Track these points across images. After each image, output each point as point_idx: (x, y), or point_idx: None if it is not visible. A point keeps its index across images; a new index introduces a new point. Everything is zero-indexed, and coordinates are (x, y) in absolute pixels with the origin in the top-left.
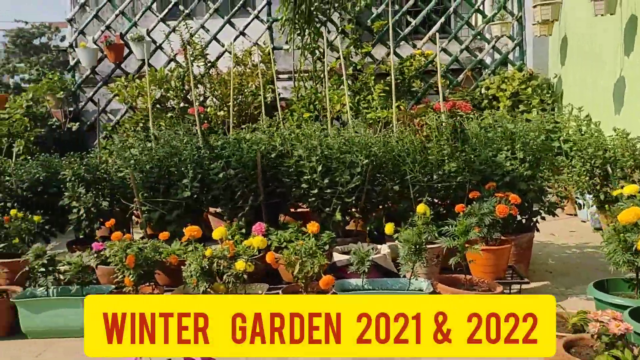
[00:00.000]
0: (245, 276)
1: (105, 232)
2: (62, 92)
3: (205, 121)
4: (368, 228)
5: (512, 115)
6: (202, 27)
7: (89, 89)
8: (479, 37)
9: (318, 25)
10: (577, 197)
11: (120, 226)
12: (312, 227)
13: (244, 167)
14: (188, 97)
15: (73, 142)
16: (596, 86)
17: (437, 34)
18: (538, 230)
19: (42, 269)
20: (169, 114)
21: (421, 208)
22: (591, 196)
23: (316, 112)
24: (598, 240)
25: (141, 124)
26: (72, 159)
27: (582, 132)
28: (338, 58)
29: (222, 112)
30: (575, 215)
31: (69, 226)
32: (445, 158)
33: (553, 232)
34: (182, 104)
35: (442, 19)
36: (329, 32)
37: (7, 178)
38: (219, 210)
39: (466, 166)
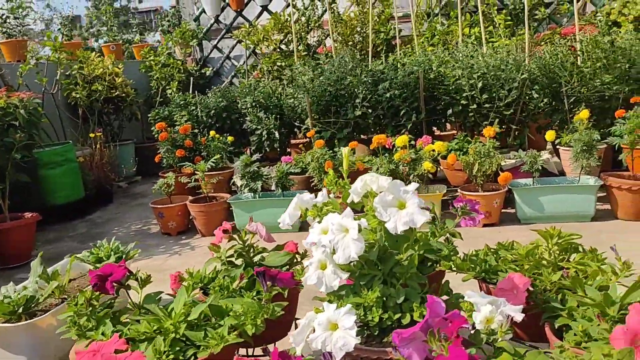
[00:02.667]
0: (430, 176)
1: (274, 154)
2: (194, 41)
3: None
4: (514, 142)
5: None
6: None
7: (213, 37)
8: None
9: None
10: None
11: (283, 150)
12: (489, 131)
13: (405, 88)
14: (308, 39)
15: (204, 86)
16: None
17: None
18: None
19: (252, 175)
20: (296, 54)
21: (584, 114)
22: None
23: (439, 45)
24: None
25: (277, 64)
26: (249, 89)
27: None
28: None
29: (343, 52)
30: None
31: (251, 146)
32: (598, 70)
33: None
34: (301, 46)
35: None
36: None
37: (193, 108)
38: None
39: (621, 76)
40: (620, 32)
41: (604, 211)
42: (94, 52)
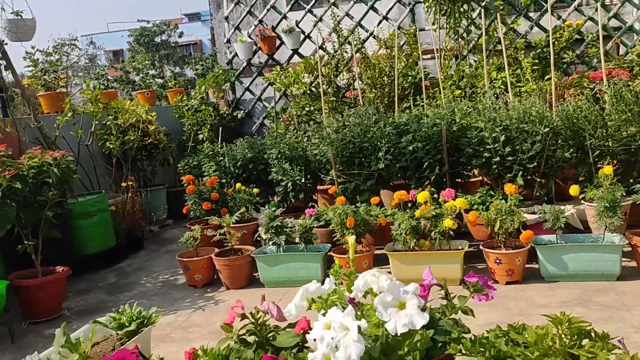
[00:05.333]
0: (451, 232)
1: (300, 203)
2: (227, 84)
3: (359, 104)
4: (538, 193)
5: None
6: (347, 14)
7: (245, 80)
8: (627, 1)
9: (461, 3)
10: None
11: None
12: (510, 188)
13: (429, 140)
14: (337, 82)
15: (235, 128)
16: None
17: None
18: None
19: (276, 230)
20: (323, 98)
21: (608, 169)
22: None
23: (466, 89)
24: None
25: (306, 109)
26: (274, 140)
27: None
28: (481, 35)
29: (372, 94)
30: None
31: (276, 197)
32: (624, 123)
33: None
34: (330, 89)
35: None
36: (472, 10)
37: (221, 158)
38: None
39: None
40: None
41: (630, 269)
42: (128, 101)
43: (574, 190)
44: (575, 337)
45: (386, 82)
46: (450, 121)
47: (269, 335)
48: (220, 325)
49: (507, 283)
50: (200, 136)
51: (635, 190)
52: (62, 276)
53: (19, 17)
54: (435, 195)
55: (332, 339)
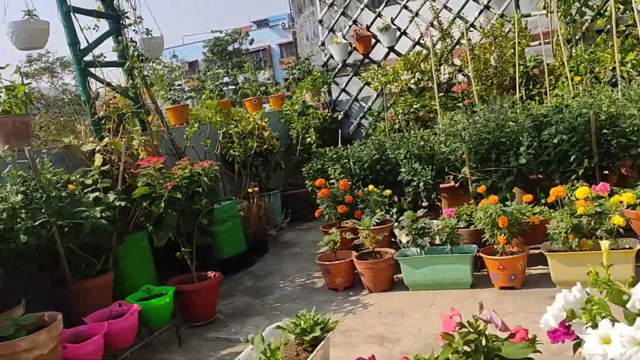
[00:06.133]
0: (620, 230)
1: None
2: (325, 87)
3: (467, 98)
4: None
5: None
6: (445, 6)
7: (340, 80)
8: None
9: None
10: None
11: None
12: None
13: (574, 131)
14: (439, 76)
15: (335, 129)
16: None
17: None
18: None
19: (419, 231)
20: (427, 94)
21: None
22: None
23: (586, 74)
24: None
25: (414, 107)
26: (402, 140)
27: None
28: (595, 17)
29: (477, 87)
30: None
31: (406, 197)
32: None
33: None
34: (434, 85)
35: None
36: None
37: (345, 160)
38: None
39: None
40: None
41: None
42: (243, 109)
43: None
44: None
45: (492, 73)
46: (597, 110)
47: (494, 347)
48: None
49: None
50: (308, 139)
51: None
52: (215, 281)
53: (150, 36)
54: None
55: (620, 355)
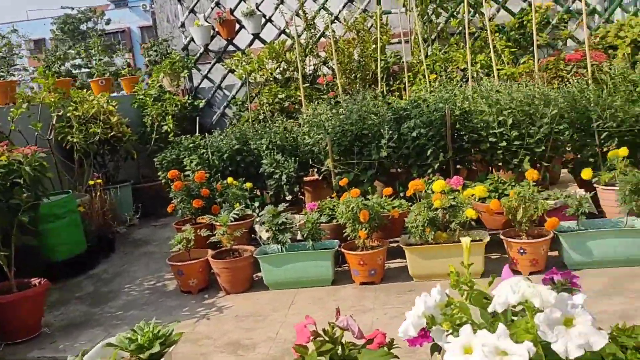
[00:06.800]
0: (472, 223)
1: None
2: (185, 71)
3: (331, 90)
4: (544, 178)
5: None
6: None
7: (202, 67)
8: None
9: None
10: None
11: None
12: (532, 174)
13: (431, 126)
14: (304, 68)
15: (194, 118)
16: None
17: None
18: None
19: (280, 227)
20: (292, 85)
21: (623, 151)
22: None
23: (441, 73)
24: None
25: (279, 97)
26: (264, 130)
27: None
28: (449, 19)
29: (341, 80)
30: None
31: (268, 191)
32: (629, 104)
33: None
34: (299, 76)
35: None
36: None
37: (203, 150)
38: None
39: None
40: (617, 55)
41: None
42: (86, 90)
43: (586, 173)
44: None
45: (356, 67)
46: (452, 105)
47: (351, 356)
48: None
49: (531, 273)
50: (165, 127)
51: None
52: (40, 290)
53: None
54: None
55: None
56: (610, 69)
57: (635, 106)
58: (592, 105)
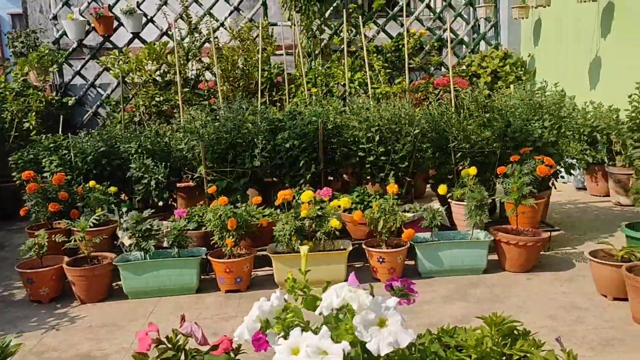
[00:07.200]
0: (337, 232)
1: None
2: (54, 66)
3: (212, 96)
4: (408, 193)
5: (491, 90)
6: (196, 1)
7: (76, 63)
8: (459, 17)
9: (314, 2)
10: (577, 163)
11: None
12: (392, 188)
13: (304, 138)
14: (186, 72)
15: (64, 117)
16: (571, 64)
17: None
18: (555, 188)
19: (144, 234)
20: (173, 89)
21: (472, 170)
22: (577, 160)
23: (322, 87)
24: (584, 198)
25: (156, 99)
26: (133, 133)
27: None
28: (333, 36)
29: (224, 87)
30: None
31: (135, 195)
32: (479, 128)
33: None
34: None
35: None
36: (325, 10)
37: (65, 151)
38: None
39: (499, 134)
40: (479, 83)
41: (492, 262)
42: None
43: (442, 189)
44: (506, 337)
45: (239, 75)
46: (325, 119)
47: None
48: (78, 350)
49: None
50: (27, 125)
51: (491, 187)
52: None
53: None
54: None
55: None
56: (470, 95)
57: (485, 130)
58: (449, 127)
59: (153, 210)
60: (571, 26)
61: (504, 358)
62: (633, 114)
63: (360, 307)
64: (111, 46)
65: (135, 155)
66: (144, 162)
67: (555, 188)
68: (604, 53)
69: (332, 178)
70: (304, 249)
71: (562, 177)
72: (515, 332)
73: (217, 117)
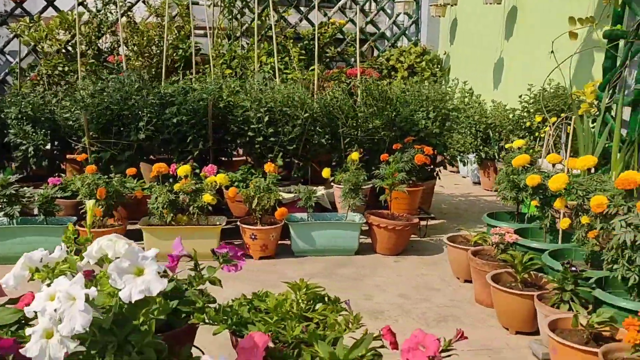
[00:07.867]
0: (210, 208)
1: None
2: None
3: (122, 71)
4: (295, 174)
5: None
6: None
7: None
8: (382, 11)
9: None
10: (461, 156)
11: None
12: (269, 167)
13: (194, 114)
14: (99, 44)
15: None
16: (479, 64)
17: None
18: (439, 178)
19: (9, 199)
20: (81, 60)
21: (354, 155)
22: (473, 155)
23: (237, 69)
24: (477, 192)
25: (59, 69)
26: (15, 98)
27: (466, 103)
28: (254, 19)
29: (138, 63)
30: (458, 172)
31: (14, 162)
32: (370, 116)
33: (442, 184)
34: (90, 51)
35: None
36: None
37: None
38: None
39: (388, 123)
40: (397, 76)
41: (366, 244)
42: None
43: (325, 172)
44: (311, 301)
45: (155, 52)
46: (218, 97)
47: None
48: None
49: (261, 258)
50: None
51: (375, 175)
52: None
53: None
54: (197, 171)
55: (55, 310)
56: (364, 84)
57: (375, 119)
58: (340, 113)
59: (24, 174)
60: (480, 27)
61: (306, 322)
62: (524, 113)
63: (116, 255)
64: (24, 14)
65: (14, 121)
66: (23, 128)
67: (439, 178)
68: (507, 54)
69: (224, 158)
70: (89, 202)
71: (458, 171)
72: (327, 299)
73: (105, 88)
